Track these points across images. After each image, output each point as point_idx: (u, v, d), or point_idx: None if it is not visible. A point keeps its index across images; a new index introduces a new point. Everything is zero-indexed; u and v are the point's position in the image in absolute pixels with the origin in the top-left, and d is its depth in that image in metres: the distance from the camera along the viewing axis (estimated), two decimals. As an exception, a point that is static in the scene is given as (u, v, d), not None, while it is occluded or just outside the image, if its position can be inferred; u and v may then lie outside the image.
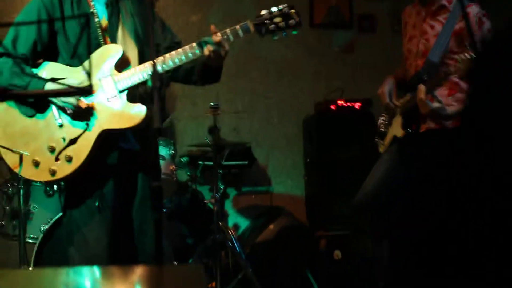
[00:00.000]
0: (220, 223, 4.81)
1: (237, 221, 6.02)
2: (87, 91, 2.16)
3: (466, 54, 3.44)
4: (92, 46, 3.16)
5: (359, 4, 6.41)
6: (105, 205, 3.19)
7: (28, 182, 4.35)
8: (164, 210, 4.57)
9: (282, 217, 5.39)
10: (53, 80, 3.04)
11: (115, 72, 3.14)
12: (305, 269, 5.21)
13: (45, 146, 3.12)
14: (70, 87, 2.30)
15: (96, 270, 2.48)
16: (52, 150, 3.11)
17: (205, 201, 5.11)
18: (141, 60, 3.21)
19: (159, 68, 3.08)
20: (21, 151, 3.13)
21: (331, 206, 5.63)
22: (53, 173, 3.12)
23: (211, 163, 4.95)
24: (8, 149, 3.15)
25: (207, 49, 3.12)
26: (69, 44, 3.17)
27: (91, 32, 3.18)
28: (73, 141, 3.11)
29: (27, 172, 3.16)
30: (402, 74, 4.21)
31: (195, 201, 5.10)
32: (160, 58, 3.11)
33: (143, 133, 3.19)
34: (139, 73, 3.12)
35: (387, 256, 4.15)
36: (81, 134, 3.11)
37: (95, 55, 3.14)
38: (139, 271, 2.35)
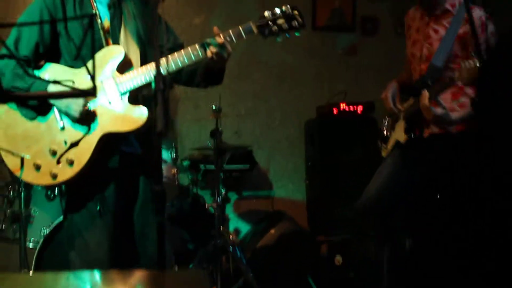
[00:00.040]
0: (221, 227, 4.79)
1: (238, 225, 6.01)
2: (91, 93, 2.12)
3: (470, 62, 3.41)
4: (95, 47, 3.13)
5: (362, 7, 6.40)
6: (107, 209, 3.16)
7: (29, 186, 4.32)
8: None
9: (283, 222, 5.37)
10: (56, 82, 3.01)
11: (117, 74, 3.12)
12: (306, 274, 5.19)
13: (46, 149, 3.10)
14: (74, 89, 2.28)
15: (96, 275, 2.46)
16: (53, 153, 3.09)
17: (206, 204, 5.09)
18: (143, 62, 3.19)
19: (162, 70, 3.06)
20: (22, 154, 3.10)
21: (332, 211, 5.63)
22: (54, 176, 3.09)
23: (213, 166, 4.93)
24: (9, 151, 3.12)
25: (210, 51, 3.10)
26: (71, 46, 3.14)
27: (94, 33, 3.16)
28: (74, 144, 3.09)
29: (28, 175, 3.13)
30: (405, 78, 4.19)
31: (196, 205, 5.08)
32: (163, 60, 3.08)
33: (145, 137, 3.17)
34: (141, 75, 3.10)
35: (388, 260, 4.13)
36: (82, 137, 3.09)
37: (97, 57, 3.11)
38: (140, 276, 2.33)
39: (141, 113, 3.08)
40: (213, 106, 4.82)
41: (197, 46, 3.13)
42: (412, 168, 3.97)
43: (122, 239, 3.22)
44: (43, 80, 3.07)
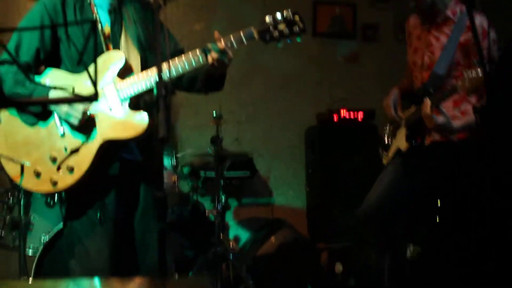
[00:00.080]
0: (221, 235, 4.78)
1: (238, 233, 6.00)
2: (92, 98, 2.11)
3: (473, 71, 3.39)
4: (96, 53, 3.12)
5: (362, 14, 6.40)
6: (107, 216, 3.15)
7: (28, 192, 4.31)
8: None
9: (283, 230, 5.36)
10: (57, 88, 3.00)
11: (118, 79, 3.10)
12: (306, 282, 5.18)
13: (46, 155, 3.08)
14: (75, 95, 2.26)
15: (96, 282, 2.45)
16: (53, 160, 3.07)
17: (206, 210, 5.07)
18: (144, 67, 3.18)
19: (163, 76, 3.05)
20: (22, 161, 3.09)
21: (333, 218, 5.62)
22: (54, 183, 3.08)
23: (213, 173, 4.92)
24: (9, 158, 3.10)
25: (211, 57, 3.08)
26: (72, 52, 3.13)
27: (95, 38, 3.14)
28: (75, 151, 3.07)
29: (28, 182, 3.11)
30: (406, 85, 4.19)
31: (197, 212, 5.07)
32: (164, 66, 3.07)
33: (146, 143, 3.16)
34: (142, 81, 3.08)
35: (389, 267, 4.12)
36: (83, 144, 3.07)
37: (98, 62, 3.09)
38: (140, 283, 2.32)
39: (141, 119, 3.06)
40: (214, 112, 4.81)
41: (198, 51, 3.11)
42: (413, 176, 3.96)
43: (122, 247, 3.20)
44: (44, 86, 3.06)
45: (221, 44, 3.08)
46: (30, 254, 4.43)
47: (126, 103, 3.09)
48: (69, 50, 3.14)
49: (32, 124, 3.12)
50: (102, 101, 3.07)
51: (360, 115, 5.84)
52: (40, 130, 3.11)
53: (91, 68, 2.13)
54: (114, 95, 3.08)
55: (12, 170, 3.12)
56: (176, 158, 4.91)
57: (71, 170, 3.06)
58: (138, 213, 3.25)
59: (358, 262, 5.29)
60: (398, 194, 4.00)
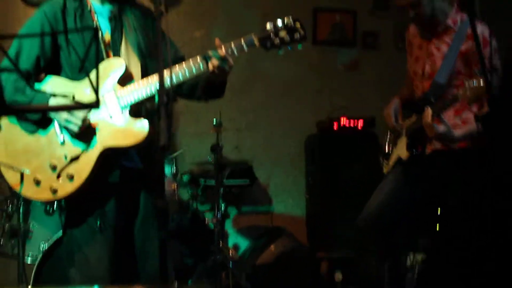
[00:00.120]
0: (220, 243, 4.76)
1: (237, 241, 5.98)
2: (93, 105, 2.10)
3: (474, 81, 3.38)
4: (97, 60, 3.10)
5: (362, 21, 6.40)
6: (107, 224, 3.14)
7: (27, 200, 4.28)
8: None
9: (283, 238, 5.35)
10: (57, 95, 2.99)
11: (118, 87, 3.09)
12: (306, 291, 5.16)
13: (46, 163, 3.07)
14: (75, 102, 2.25)
15: (96, 290, 2.44)
16: (53, 168, 3.06)
17: (206, 219, 5.06)
18: (144, 75, 3.17)
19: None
20: (22, 169, 3.07)
21: (332, 227, 5.60)
22: (54, 191, 3.06)
23: (213, 181, 4.91)
24: (8, 166, 3.09)
25: (212, 64, 3.07)
26: (73, 59, 3.12)
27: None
28: (74, 159, 3.06)
29: (28, 190, 3.10)
30: (407, 93, 4.18)
31: (196, 221, 5.05)
32: (165, 73, 3.05)
33: (146, 151, 3.14)
34: (142, 88, 3.07)
35: (389, 276, 4.10)
36: (82, 152, 3.06)
37: (98, 69, 3.08)
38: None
39: (142, 127, 3.05)
40: (214, 120, 4.81)
41: (198, 58, 3.10)
42: (414, 184, 3.95)
43: (122, 254, 3.19)
44: (44, 94, 3.04)
45: (222, 51, 3.07)
46: (29, 262, 4.42)
47: (127, 111, 3.08)
48: (69, 58, 3.13)
49: (32, 132, 3.11)
50: (102, 108, 3.06)
51: (360, 123, 5.83)
52: (40, 138, 3.10)
53: (93, 75, 2.12)
54: (114, 102, 3.07)
55: (12, 178, 3.11)
56: (176, 165, 4.90)
57: (71, 178, 3.05)
58: (138, 220, 3.23)
59: (358, 270, 5.27)
60: (398, 202, 3.98)
